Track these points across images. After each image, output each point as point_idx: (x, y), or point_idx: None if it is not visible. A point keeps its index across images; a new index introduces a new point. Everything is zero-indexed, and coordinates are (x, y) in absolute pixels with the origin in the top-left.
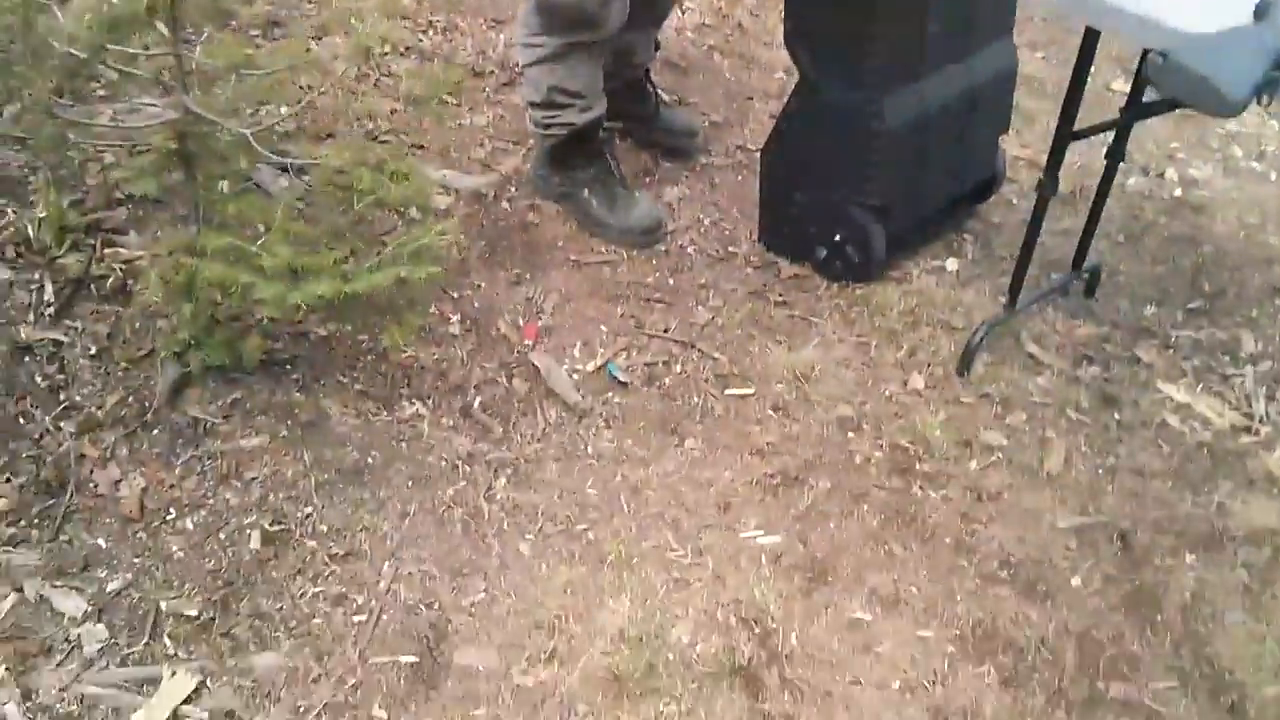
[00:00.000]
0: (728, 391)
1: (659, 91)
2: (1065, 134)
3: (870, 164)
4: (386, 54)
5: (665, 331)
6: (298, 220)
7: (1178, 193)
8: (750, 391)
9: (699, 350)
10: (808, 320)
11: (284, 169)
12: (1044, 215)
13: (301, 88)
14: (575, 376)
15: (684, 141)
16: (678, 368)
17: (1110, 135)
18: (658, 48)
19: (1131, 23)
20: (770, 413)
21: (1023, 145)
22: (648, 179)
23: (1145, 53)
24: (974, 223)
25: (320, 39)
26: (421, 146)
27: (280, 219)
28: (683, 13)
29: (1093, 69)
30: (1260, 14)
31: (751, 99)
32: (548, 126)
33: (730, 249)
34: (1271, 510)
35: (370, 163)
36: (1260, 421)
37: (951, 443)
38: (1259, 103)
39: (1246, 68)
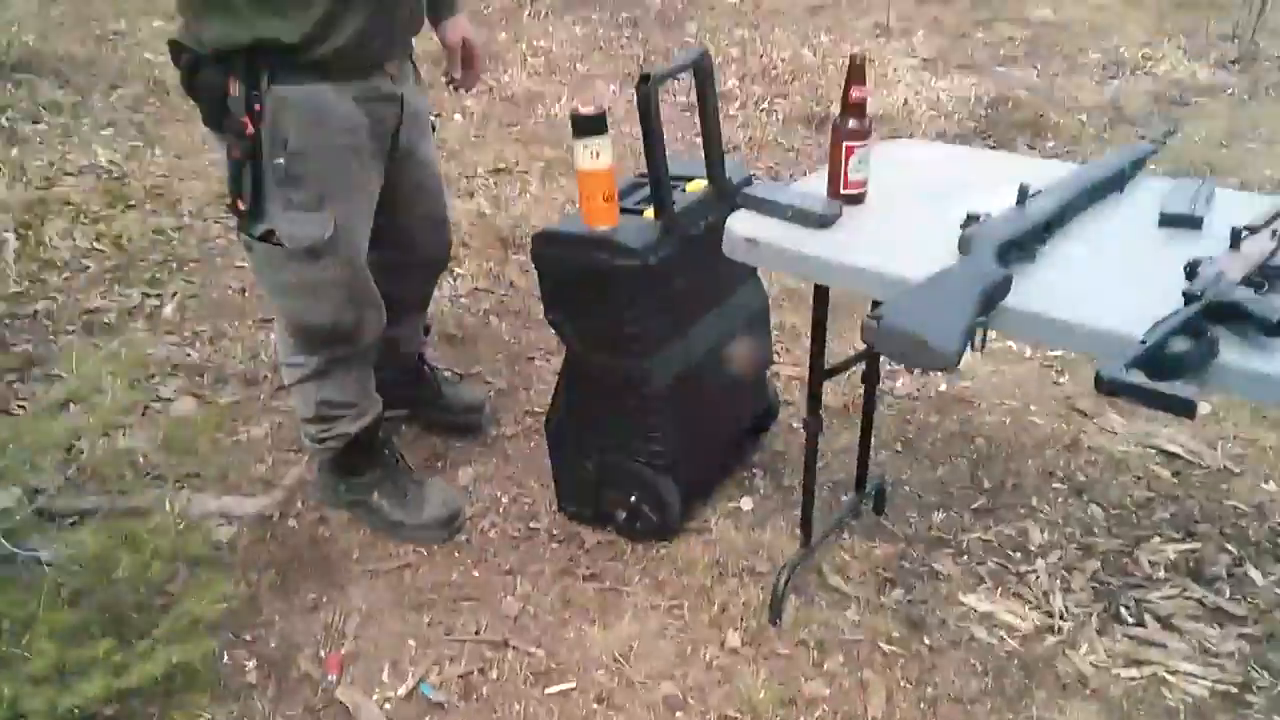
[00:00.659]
0: (548, 690)
1: (438, 370)
2: (818, 376)
3: (648, 425)
4: (153, 377)
5: (476, 633)
6: (63, 608)
7: (943, 387)
8: (571, 686)
9: (514, 648)
10: (619, 591)
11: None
12: (815, 451)
13: (71, 436)
14: (388, 706)
15: (470, 418)
16: (494, 673)
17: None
18: (428, 330)
19: (853, 277)
20: (595, 706)
21: (794, 364)
22: (439, 463)
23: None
24: (761, 455)
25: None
26: (197, 474)
27: (43, 612)
28: (455, 280)
29: None
30: (963, 247)
31: (534, 359)
32: (323, 440)
33: (532, 525)
34: (1088, 713)
35: (129, 540)
36: (1060, 618)
37: (776, 703)
38: (972, 348)
39: (956, 317)
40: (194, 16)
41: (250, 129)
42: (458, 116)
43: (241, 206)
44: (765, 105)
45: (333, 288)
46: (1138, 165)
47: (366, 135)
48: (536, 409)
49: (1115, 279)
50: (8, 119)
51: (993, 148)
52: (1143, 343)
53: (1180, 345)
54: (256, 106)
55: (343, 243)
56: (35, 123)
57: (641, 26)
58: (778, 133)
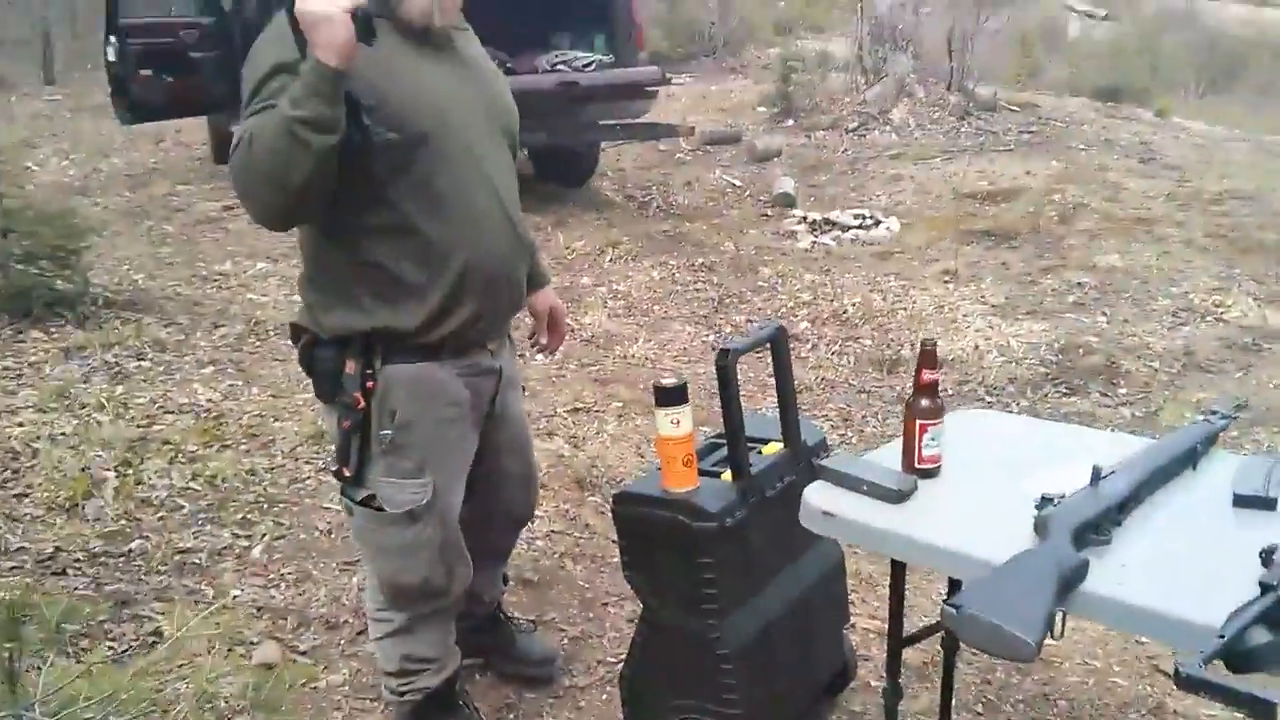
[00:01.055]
0: None
1: (513, 619)
2: (897, 644)
3: (723, 686)
4: (237, 617)
5: None
6: None
7: None
8: None
9: None
10: None
11: None
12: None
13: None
14: None
15: (543, 670)
16: None
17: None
18: (507, 580)
19: (929, 555)
20: None
21: (870, 616)
22: (511, 715)
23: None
24: (837, 715)
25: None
26: None
27: None
28: (532, 522)
29: None
30: (1039, 530)
31: (608, 605)
32: (403, 694)
33: None
34: None
35: None
36: None
37: None
38: (1051, 635)
39: (1035, 605)
40: (318, 305)
41: (362, 403)
42: (539, 357)
43: (347, 473)
44: (836, 348)
45: (426, 548)
46: (1209, 442)
47: (468, 407)
48: (610, 659)
49: (1190, 563)
50: (114, 356)
51: (1065, 394)
52: (1220, 636)
53: (1259, 637)
54: (369, 384)
55: (439, 505)
56: (140, 359)
57: (716, 271)
58: (849, 374)
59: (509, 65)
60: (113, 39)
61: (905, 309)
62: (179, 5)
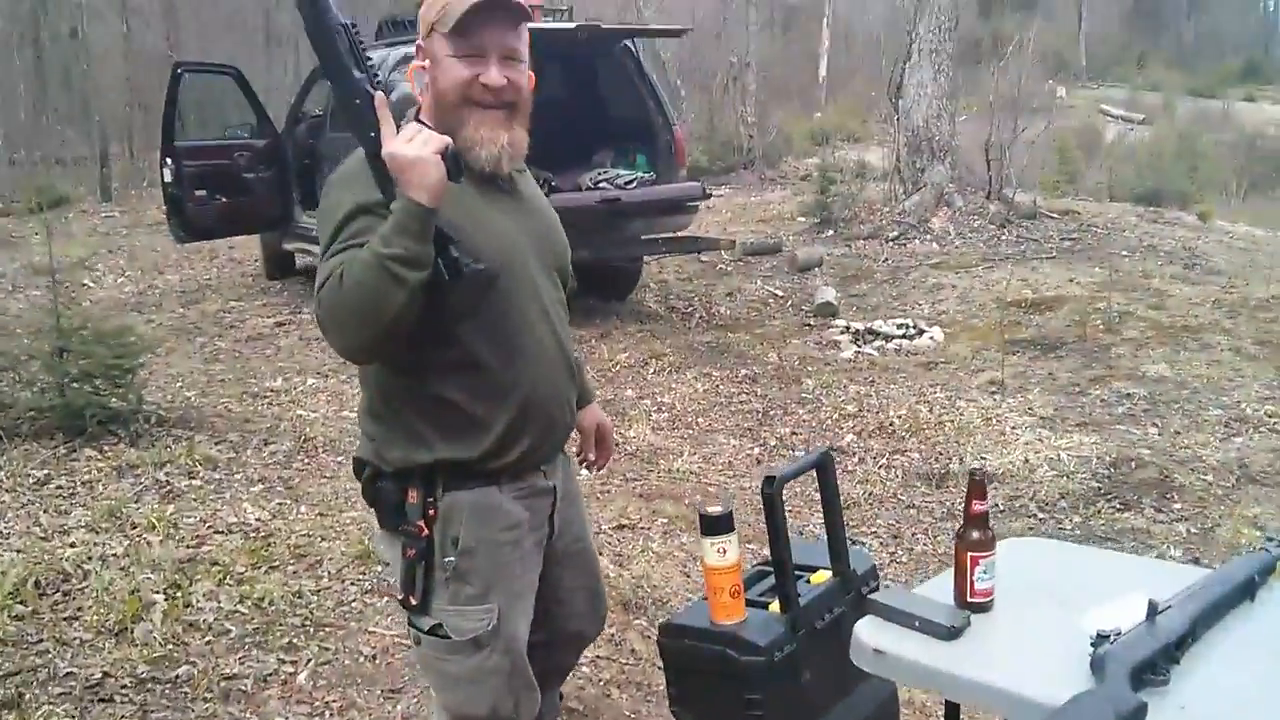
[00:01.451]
0: None
1: None
2: None
3: None
4: None
5: None
6: None
7: None
8: None
9: None
10: None
11: None
12: None
13: None
14: None
15: None
16: None
17: None
18: (561, 697)
19: (984, 695)
20: None
21: None
22: None
23: None
24: None
25: None
26: None
27: None
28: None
29: None
30: (1095, 670)
31: None
32: None
33: None
34: None
35: None
36: None
37: None
38: None
39: None
40: (380, 439)
41: (425, 531)
42: (585, 472)
43: (413, 601)
44: (884, 461)
45: (493, 676)
46: (1267, 572)
47: (527, 528)
48: None
49: (1254, 702)
50: (166, 474)
51: (1118, 510)
52: None
53: None
54: (431, 512)
55: (505, 632)
56: (191, 477)
57: (760, 383)
58: (897, 489)
59: (553, 183)
60: (169, 161)
61: (952, 421)
62: (232, 129)
